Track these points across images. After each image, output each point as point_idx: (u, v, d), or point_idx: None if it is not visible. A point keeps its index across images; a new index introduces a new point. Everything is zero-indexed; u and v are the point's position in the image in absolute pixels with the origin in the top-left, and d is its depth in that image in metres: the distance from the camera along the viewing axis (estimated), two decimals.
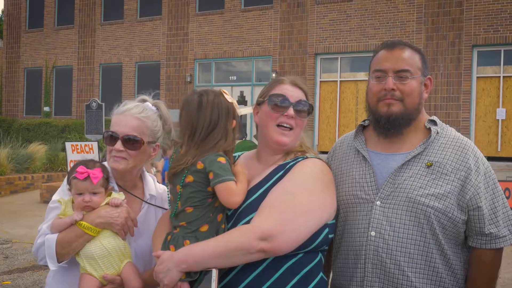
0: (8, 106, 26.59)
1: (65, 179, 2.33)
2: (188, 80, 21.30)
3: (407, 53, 2.21)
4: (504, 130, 15.89)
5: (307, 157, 2.13)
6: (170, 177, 2.08)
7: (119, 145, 2.29)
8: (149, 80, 22.11)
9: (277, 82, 2.19)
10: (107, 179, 2.29)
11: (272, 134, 2.12)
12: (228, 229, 2.00)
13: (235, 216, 2.03)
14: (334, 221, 2.13)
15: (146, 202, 2.45)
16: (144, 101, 2.45)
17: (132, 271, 2.23)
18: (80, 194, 2.22)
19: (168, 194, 2.15)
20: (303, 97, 2.16)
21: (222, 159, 1.99)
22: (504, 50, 16.00)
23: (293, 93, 2.14)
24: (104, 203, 2.26)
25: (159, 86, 21.88)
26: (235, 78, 20.97)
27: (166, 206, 2.52)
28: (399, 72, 2.17)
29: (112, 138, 2.31)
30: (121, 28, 23.37)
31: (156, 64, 22.31)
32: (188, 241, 1.95)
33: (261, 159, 2.20)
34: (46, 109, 25.03)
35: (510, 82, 15.88)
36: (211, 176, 1.96)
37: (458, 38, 16.37)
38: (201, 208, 1.98)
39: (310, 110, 2.17)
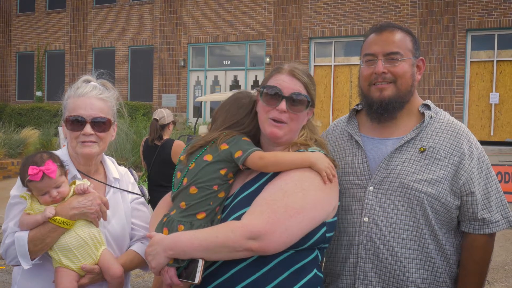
0: (0, 91, 26.37)
1: (19, 178, 2.17)
2: (182, 64, 21.16)
3: (396, 35, 2.19)
4: (497, 115, 15.93)
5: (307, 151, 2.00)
6: (188, 153, 2.08)
7: (88, 128, 2.20)
8: (142, 65, 21.93)
9: (276, 71, 2.08)
10: (61, 165, 2.16)
11: (265, 125, 2.03)
12: (222, 220, 1.97)
13: (229, 208, 1.99)
14: (335, 218, 2.04)
15: (111, 186, 2.35)
16: (88, 81, 2.33)
17: (110, 258, 2.17)
18: (45, 193, 2.10)
19: (175, 171, 2.12)
20: (300, 89, 2.02)
21: (246, 139, 2.05)
22: (498, 34, 15.97)
23: (288, 85, 2.01)
24: (71, 192, 2.15)
25: (153, 70, 21.71)
26: (228, 62, 20.85)
27: (130, 188, 2.45)
28: (389, 55, 2.16)
29: (78, 123, 2.21)
30: (113, 11, 23.12)
31: (149, 48, 22.13)
32: (182, 226, 1.93)
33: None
34: (39, 93, 24.83)
35: (504, 67, 15.88)
36: (239, 153, 1.98)
37: (452, 22, 16.31)
38: (205, 192, 1.97)
39: (308, 103, 2.03)
